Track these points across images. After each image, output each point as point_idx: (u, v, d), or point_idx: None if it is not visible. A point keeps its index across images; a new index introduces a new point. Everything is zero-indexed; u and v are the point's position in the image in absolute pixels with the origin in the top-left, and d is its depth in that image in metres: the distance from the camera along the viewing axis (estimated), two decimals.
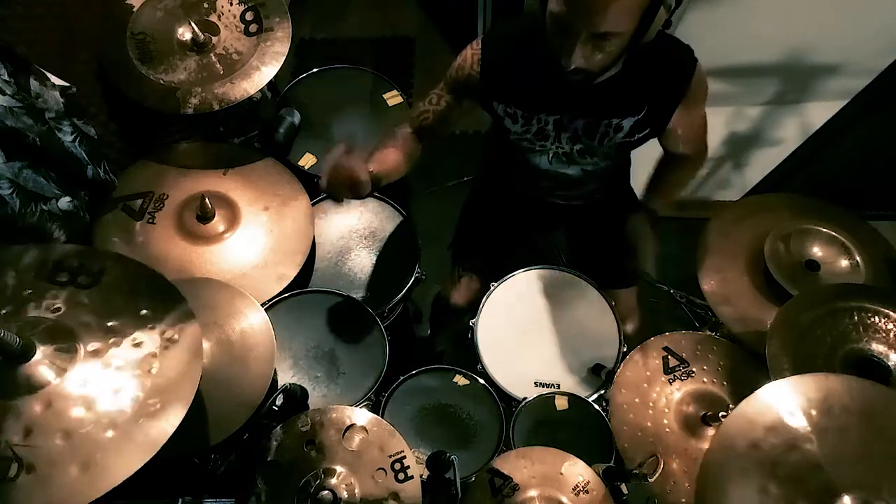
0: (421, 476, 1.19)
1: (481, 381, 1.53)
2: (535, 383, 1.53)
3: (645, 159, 1.50)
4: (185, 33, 1.53)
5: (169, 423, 0.85)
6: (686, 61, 1.22)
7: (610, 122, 1.27)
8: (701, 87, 1.25)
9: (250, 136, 1.86)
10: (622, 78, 1.20)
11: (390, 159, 1.31)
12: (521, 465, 1.26)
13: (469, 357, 1.58)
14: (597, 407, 1.47)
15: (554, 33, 1.06)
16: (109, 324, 0.93)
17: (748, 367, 1.36)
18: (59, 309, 0.93)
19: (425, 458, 1.24)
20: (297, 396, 1.33)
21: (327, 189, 1.19)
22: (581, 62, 1.05)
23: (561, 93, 1.23)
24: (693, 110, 1.28)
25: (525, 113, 1.29)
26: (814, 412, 0.95)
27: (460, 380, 1.55)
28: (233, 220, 1.53)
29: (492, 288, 1.64)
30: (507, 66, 1.25)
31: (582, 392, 1.51)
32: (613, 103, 1.24)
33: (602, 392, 1.51)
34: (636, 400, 1.33)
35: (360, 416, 1.23)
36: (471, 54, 1.28)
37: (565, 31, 1.03)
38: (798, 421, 0.94)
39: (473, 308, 1.63)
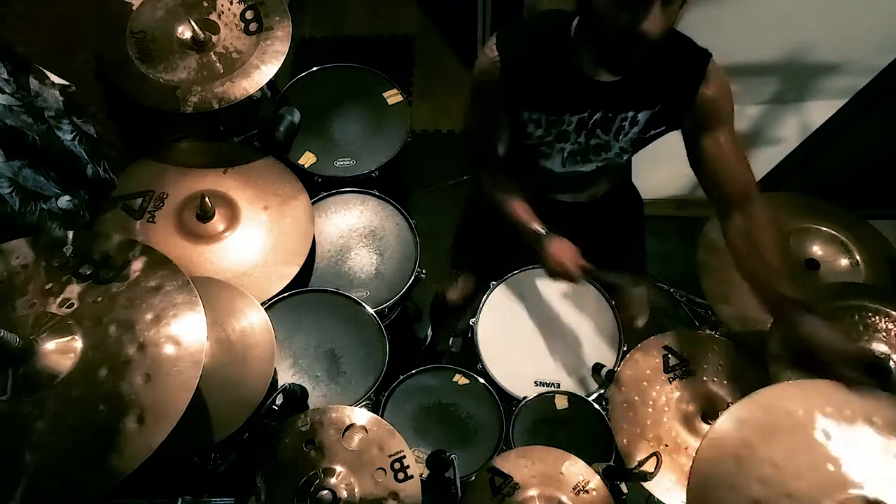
0: (421, 475, 1.19)
1: (481, 380, 1.53)
2: (536, 382, 1.53)
3: (645, 155, 1.50)
4: (184, 32, 1.53)
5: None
6: (701, 57, 1.20)
7: (626, 115, 1.25)
8: (722, 85, 1.20)
9: (250, 135, 1.86)
10: (640, 72, 1.18)
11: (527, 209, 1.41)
12: (521, 464, 1.26)
13: (469, 356, 1.58)
14: (597, 406, 1.48)
15: (621, 4, 0.99)
16: (112, 328, 0.93)
17: (748, 366, 1.36)
18: (72, 304, 0.94)
19: (425, 457, 1.24)
20: (296, 396, 1.33)
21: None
22: (659, 28, 0.98)
23: (582, 90, 1.21)
24: (718, 125, 1.21)
25: (549, 117, 1.27)
26: (796, 418, 0.94)
27: (460, 379, 1.55)
28: (233, 219, 1.53)
29: (492, 287, 1.64)
30: (528, 71, 1.22)
31: (582, 391, 1.51)
32: (631, 97, 1.23)
33: (602, 391, 1.51)
34: (636, 399, 1.33)
35: (360, 415, 1.23)
36: (489, 64, 1.22)
37: None
38: (784, 428, 0.94)
39: (470, 307, 1.63)
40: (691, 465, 0.94)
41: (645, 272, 1.77)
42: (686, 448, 1.27)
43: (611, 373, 1.48)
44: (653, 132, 1.29)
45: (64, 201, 1.32)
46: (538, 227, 1.36)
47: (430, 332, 2.23)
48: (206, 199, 1.46)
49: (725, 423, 0.96)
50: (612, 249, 1.65)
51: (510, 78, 1.22)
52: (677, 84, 1.21)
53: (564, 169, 1.40)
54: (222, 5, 1.57)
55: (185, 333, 0.94)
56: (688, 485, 0.93)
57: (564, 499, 1.21)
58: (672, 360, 1.38)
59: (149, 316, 0.94)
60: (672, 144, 1.31)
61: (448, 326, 1.97)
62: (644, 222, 1.73)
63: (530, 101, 1.26)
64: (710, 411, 1.28)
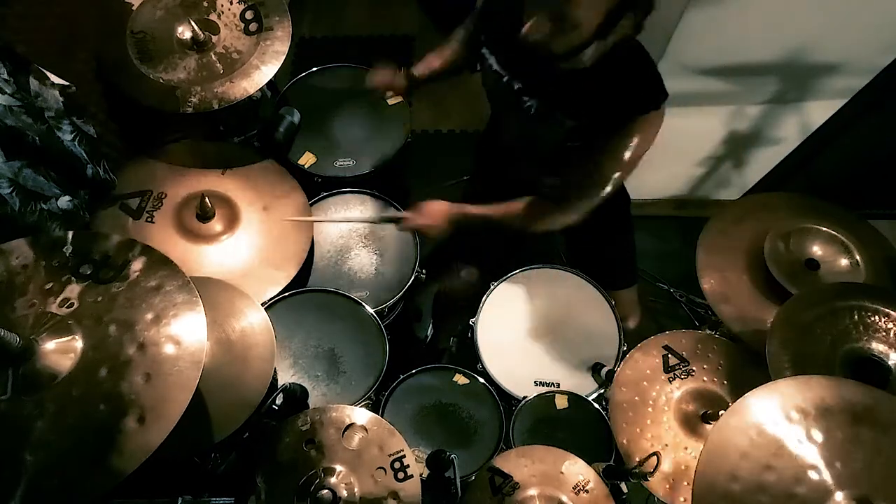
0: (421, 475, 1.19)
1: (481, 380, 1.53)
2: (535, 382, 1.53)
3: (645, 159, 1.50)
4: (184, 32, 1.53)
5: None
6: (637, 107, 1.20)
7: (556, 114, 1.28)
8: (643, 130, 1.22)
9: (250, 136, 1.86)
10: (589, 82, 1.20)
11: (433, 64, 1.60)
12: (521, 463, 1.26)
13: (469, 356, 1.58)
14: (596, 406, 1.48)
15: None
16: (112, 328, 0.93)
17: (748, 366, 1.36)
18: (72, 304, 0.94)
19: (425, 457, 1.24)
20: (296, 395, 1.33)
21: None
22: (537, 35, 1.10)
23: (532, 65, 1.25)
24: (615, 141, 1.24)
25: (498, 66, 1.33)
26: (795, 416, 0.95)
27: (460, 379, 1.55)
28: (232, 219, 1.53)
29: (492, 287, 1.64)
30: (504, 17, 1.28)
31: (582, 391, 1.51)
32: (569, 100, 1.25)
33: (602, 391, 1.51)
34: (636, 398, 1.33)
35: (360, 415, 1.23)
36: None
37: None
38: (782, 427, 0.94)
39: (473, 304, 1.63)
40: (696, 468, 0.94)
41: (637, 270, 1.76)
42: (686, 448, 1.27)
43: (611, 373, 1.48)
44: (569, 144, 1.30)
45: (64, 201, 1.32)
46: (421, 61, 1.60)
47: (430, 332, 2.23)
48: (207, 199, 1.46)
49: (727, 422, 0.97)
50: (600, 247, 1.65)
51: (489, 9, 1.37)
52: (607, 117, 1.22)
53: (516, 128, 1.46)
54: (222, 5, 1.57)
55: (185, 333, 0.94)
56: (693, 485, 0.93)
57: (564, 498, 1.21)
58: (672, 360, 1.38)
59: (149, 316, 0.94)
60: (670, 145, 1.31)
61: (449, 326, 1.97)
62: (631, 219, 1.72)
63: (492, 41, 1.34)
64: (710, 411, 1.28)
